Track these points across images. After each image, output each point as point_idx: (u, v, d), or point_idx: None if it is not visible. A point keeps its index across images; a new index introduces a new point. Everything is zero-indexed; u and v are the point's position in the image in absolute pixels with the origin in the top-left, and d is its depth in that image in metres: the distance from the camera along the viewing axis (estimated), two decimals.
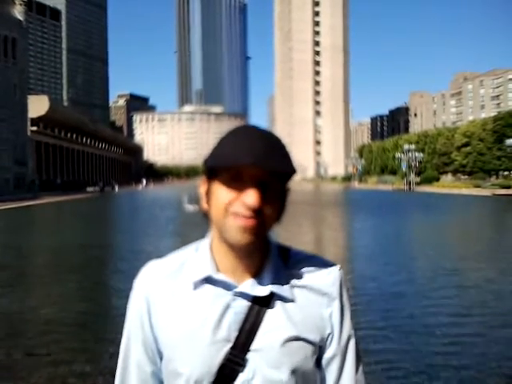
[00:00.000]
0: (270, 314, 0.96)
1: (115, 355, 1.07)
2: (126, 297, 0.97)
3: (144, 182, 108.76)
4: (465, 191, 59.58)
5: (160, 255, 1.00)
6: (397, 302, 7.40)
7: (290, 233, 14.48)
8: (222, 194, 0.91)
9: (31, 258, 12.69)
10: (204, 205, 0.97)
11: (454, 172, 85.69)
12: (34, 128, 78.44)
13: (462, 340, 5.55)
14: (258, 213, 0.89)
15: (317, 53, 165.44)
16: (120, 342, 1.04)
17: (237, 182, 0.90)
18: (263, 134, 0.92)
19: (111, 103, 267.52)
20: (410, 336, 5.76)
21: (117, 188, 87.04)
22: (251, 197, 0.87)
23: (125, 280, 8.97)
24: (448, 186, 69.34)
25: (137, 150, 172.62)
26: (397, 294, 7.82)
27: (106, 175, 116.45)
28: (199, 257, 1.00)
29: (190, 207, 25.02)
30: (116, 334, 5.21)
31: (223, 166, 0.90)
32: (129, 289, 0.97)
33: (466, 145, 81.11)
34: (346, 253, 12.97)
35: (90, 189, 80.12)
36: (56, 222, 25.02)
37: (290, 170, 0.91)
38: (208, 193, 0.96)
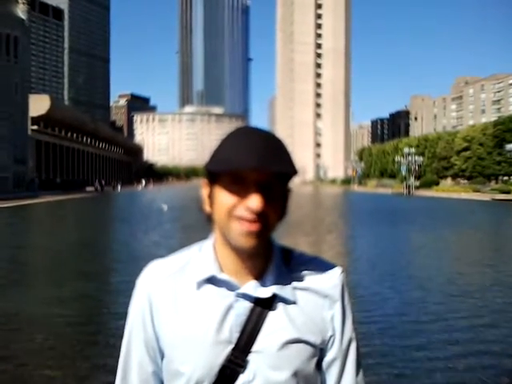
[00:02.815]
0: (271, 316, 0.96)
1: (116, 355, 1.07)
2: (124, 297, 0.94)
3: (143, 182, 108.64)
4: (464, 196, 59.63)
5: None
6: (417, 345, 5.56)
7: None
8: (224, 197, 0.91)
9: (24, 258, 12.61)
10: (207, 208, 0.97)
11: (454, 176, 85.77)
12: (35, 127, 78.44)
13: None
14: (261, 216, 0.89)
15: (318, 55, 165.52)
16: (121, 340, 1.04)
17: (239, 186, 0.89)
18: (264, 135, 0.92)
19: (112, 103, 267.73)
20: None
21: (119, 188, 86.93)
22: (255, 201, 0.88)
23: (121, 281, 8.97)
24: (447, 190, 69.38)
25: (137, 150, 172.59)
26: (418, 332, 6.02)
27: (106, 175, 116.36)
28: (203, 257, 1.00)
29: (164, 207, 30.36)
30: (117, 335, 5.36)
31: (225, 170, 0.89)
32: (125, 289, 0.95)
33: (465, 149, 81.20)
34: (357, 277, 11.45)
35: (89, 188, 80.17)
36: (52, 222, 24.99)
37: (292, 172, 0.91)
38: (210, 196, 0.96)
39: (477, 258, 12.67)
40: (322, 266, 1.03)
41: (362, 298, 7.62)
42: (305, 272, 1.01)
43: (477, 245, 15.96)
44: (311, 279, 1.01)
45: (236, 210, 0.89)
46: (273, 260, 1.00)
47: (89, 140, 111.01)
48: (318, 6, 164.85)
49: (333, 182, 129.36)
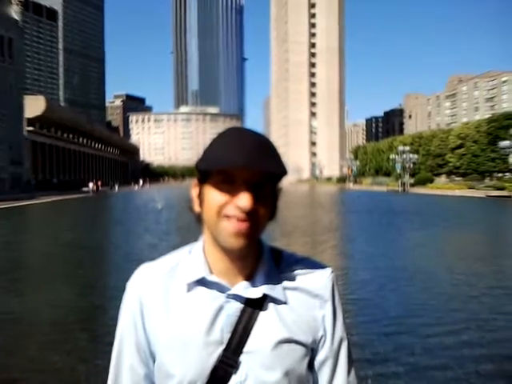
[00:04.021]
0: (262, 316, 0.96)
1: (107, 359, 1.06)
2: (118, 298, 0.92)
3: (140, 182, 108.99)
4: (458, 193, 60.14)
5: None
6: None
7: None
8: (214, 196, 0.91)
9: (15, 260, 12.34)
10: (196, 208, 0.97)
11: (448, 173, 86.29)
12: (31, 128, 78.43)
13: None
14: (251, 215, 0.89)
15: (312, 54, 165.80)
16: (112, 344, 1.03)
17: (229, 185, 0.89)
18: (253, 135, 0.92)
19: (107, 103, 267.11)
20: None
21: (117, 187, 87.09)
22: (244, 199, 0.88)
23: (114, 280, 9.08)
24: (442, 187, 69.87)
25: (133, 151, 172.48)
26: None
27: (103, 175, 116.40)
28: (192, 259, 1.00)
29: (159, 205, 32.13)
30: (110, 336, 5.50)
31: (215, 169, 0.89)
32: (118, 288, 0.91)
33: (460, 146, 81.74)
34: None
35: (85, 188, 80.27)
36: (46, 223, 24.95)
37: (282, 171, 0.91)
38: (200, 195, 0.95)
39: (479, 256, 12.24)
40: (312, 266, 1.04)
41: (364, 301, 7.47)
42: (295, 272, 1.01)
43: (477, 243, 15.33)
44: (302, 279, 1.01)
45: (225, 209, 0.89)
46: (263, 260, 1.00)
47: (85, 140, 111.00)
48: (312, 6, 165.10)
49: (328, 180, 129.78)
